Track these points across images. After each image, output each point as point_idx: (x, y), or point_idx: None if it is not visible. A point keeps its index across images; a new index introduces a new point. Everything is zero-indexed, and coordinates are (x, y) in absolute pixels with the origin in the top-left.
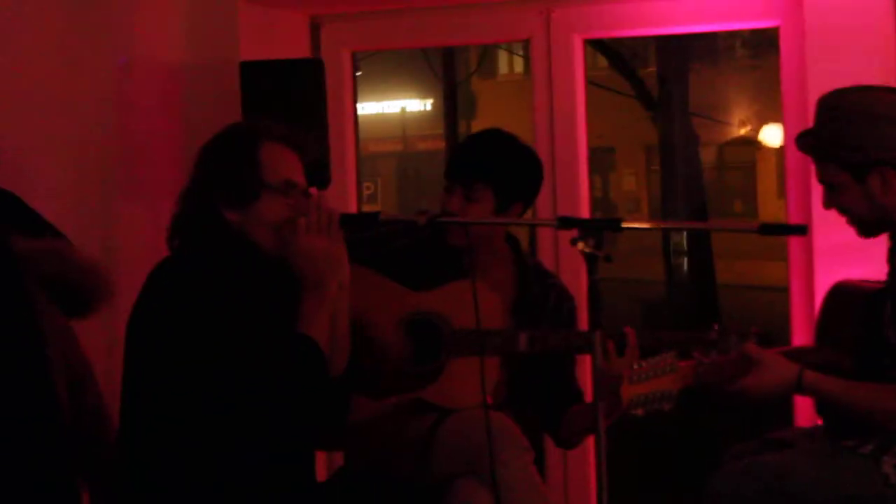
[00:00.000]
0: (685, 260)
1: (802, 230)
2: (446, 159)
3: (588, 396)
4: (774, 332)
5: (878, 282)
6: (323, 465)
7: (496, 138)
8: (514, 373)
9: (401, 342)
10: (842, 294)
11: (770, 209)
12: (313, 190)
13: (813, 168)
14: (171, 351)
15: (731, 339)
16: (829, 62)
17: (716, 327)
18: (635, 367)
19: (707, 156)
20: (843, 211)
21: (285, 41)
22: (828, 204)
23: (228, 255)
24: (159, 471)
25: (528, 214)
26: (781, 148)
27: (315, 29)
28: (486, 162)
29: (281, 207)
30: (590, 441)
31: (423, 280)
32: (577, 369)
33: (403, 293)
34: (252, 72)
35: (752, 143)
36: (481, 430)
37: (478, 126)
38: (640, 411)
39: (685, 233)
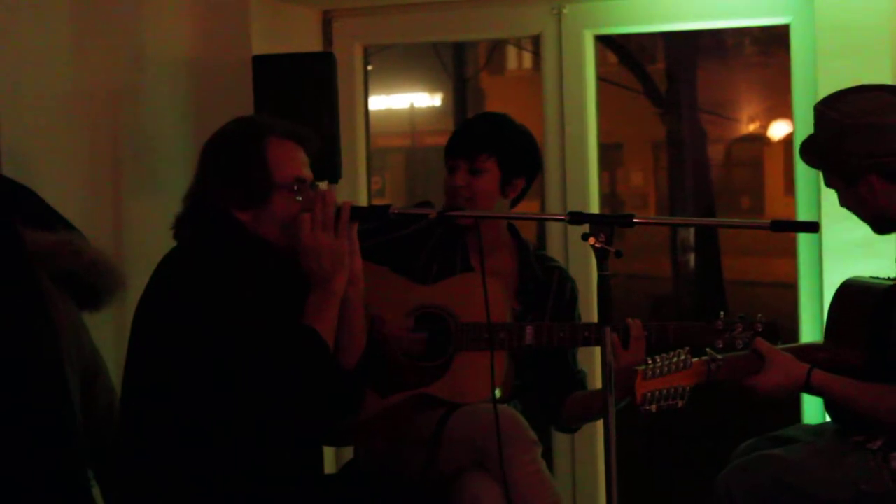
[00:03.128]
0: (692, 256)
1: (814, 227)
2: (447, 142)
3: (588, 382)
4: (782, 327)
5: (888, 279)
6: (332, 460)
7: (494, 115)
8: (520, 363)
9: (411, 336)
10: (851, 291)
11: (777, 206)
12: (322, 184)
13: None
14: (177, 342)
15: (736, 328)
16: (839, 59)
17: (722, 316)
18: (649, 362)
19: (714, 152)
20: (850, 210)
21: (297, 35)
22: (839, 202)
23: (237, 250)
24: (164, 462)
25: (538, 210)
26: (789, 145)
27: (327, 23)
28: (489, 133)
29: (292, 205)
30: (598, 434)
31: (428, 272)
32: (577, 355)
33: (409, 287)
34: (264, 66)
35: (759, 139)
36: (489, 424)
37: None
38: (653, 408)
39: (692, 229)
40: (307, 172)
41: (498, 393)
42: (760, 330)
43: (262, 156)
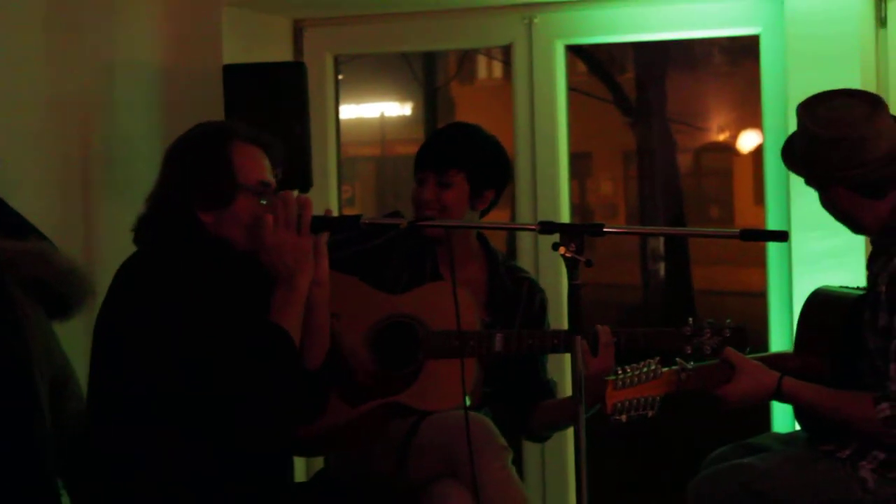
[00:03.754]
0: (662, 265)
1: (783, 236)
2: (416, 154)
3: (559, 391)
4: (751, 337)
5: (858, 288)
6: (303, 470)
7: (464, 127)
8: (490, 371)
9: (366, 357)
10: (821, 301)
11: (747, 215)
12: (293, 193)
13: (792, 174)
14: (139, 345)
15: (705, 333)
16: (809, 70)
17: (690, 322)
18: (619, 372)
19: (684, 162)
20: (828, 212)
21: (268, 45)
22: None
23: (199, 252)
24: (130, 469)
25: (508, 219)
26: (758, 154)
27: (298, 33)
28: (458, 147)
29: (255, 207)
30: (569, 441)
31: (397, 281)
32: (547, 364)
33: (378, 297)
34: (235, 75)
35: (728, 149)
36: (459, 431)
37: None
38: (623, 417)
39: (662, 238)
40: (270, 177)
41: (468, 401)
42: (729, 335)
43: (228, 158)
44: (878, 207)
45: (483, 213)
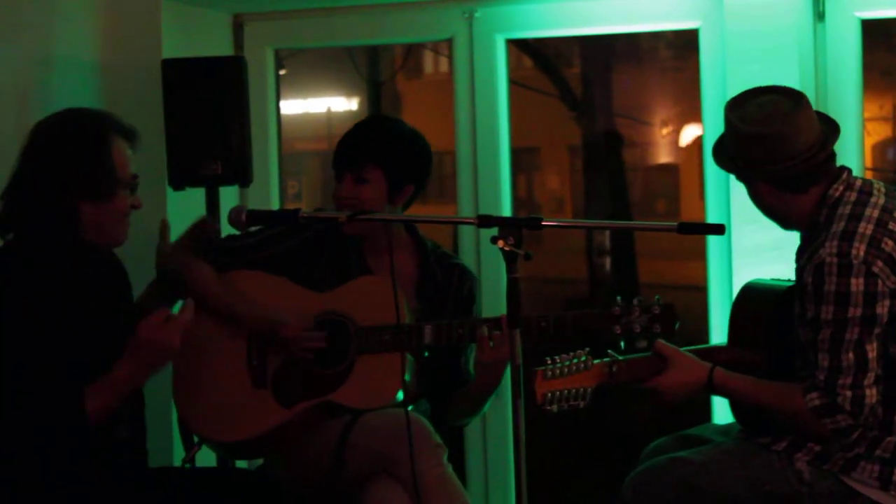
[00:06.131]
0: (608, 259)
1: (720, 229)
2: (336, 151)
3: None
4: (692, 330)
5: (789, 280)
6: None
7: (381, 121)
8: (422, 362)
9: (312, 335)
10: (752, 293)
11: (693, 210)
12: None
13: None
14: None
15: (633, 312)
16: (748, 64)
17: (619, 301)
18: (548, 362)
19: (630, 156)
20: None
21: (208, 39)
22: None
23: (63, 248)
24: None
25: (454, 213)
26: (702, 148)
27: (238, 27)
28: (373, 142)
29: (128, 200)
30: (509, 438)
31: (326, 278)
32: (470, 356)
33: (307, 295)
34: (174, 69)
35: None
36: (393, 429)
37: None
38: (553, 408)
39: (608, 232)
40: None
41: (401, 395)
42: (658, 312)
43: (109, 152)
44: (802, 202)
45: (405, 207)
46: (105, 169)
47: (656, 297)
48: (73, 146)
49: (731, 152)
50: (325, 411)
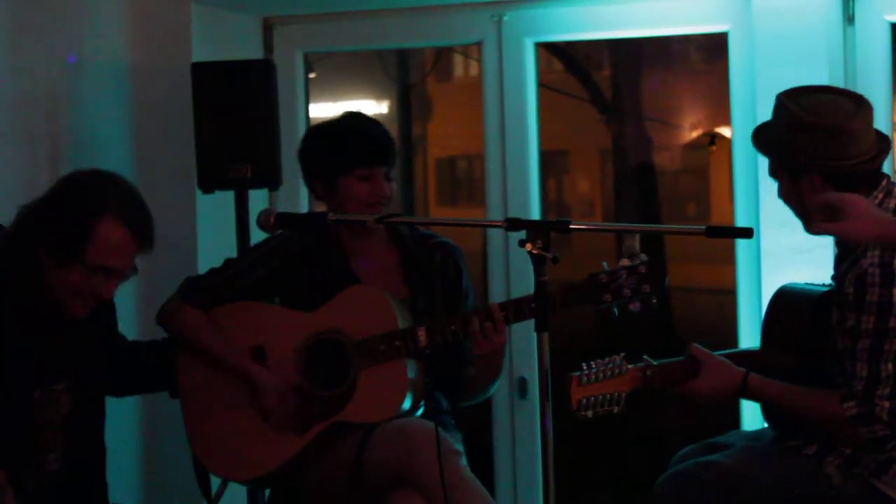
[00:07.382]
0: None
1: (748, 233)
2: (359, 150)
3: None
4: (721, 333)
5: (823, 284)
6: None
7: (369, 118)
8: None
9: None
10: (787, 297)
11: (723, 213)
12: None
13: (761, 172)
14: None
15: (621, 276)
16: (777, 68)
17: (605, 267)
18: (584, 367)
19: (660, 159)
20: (785, 203)
21: (238, 43)
22: (778, 193)
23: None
24: None
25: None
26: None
27: (268, 30)
28: (389, 138)
29: (88, 280)
30: (537, 440)
31: (309, 291)
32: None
33: (296, 317)
34: (203, 72)
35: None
36: (408, 439)
37: (433, 128)
38: (589, 413)
39: (637, 236)
40: (123, 263)
41: (408, 402)
42: (644, 272)
43: (88, 229)
44: None
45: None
46: (73, 236)
47: (641, 255)
48: (57, 204)
49: (783, 140)
50: (337, 431)
